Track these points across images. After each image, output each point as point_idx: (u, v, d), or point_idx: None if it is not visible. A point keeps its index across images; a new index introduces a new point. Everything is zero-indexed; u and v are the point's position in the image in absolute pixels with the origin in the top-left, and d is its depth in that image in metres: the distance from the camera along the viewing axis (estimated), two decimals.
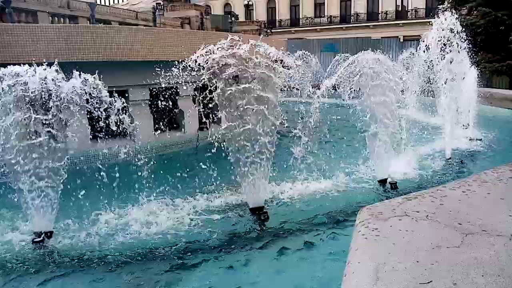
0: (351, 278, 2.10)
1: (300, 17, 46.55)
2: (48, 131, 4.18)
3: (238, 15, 35.22)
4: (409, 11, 41.38)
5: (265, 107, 4.50)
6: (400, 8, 42.06)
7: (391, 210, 2.85)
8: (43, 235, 4.28)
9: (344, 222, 4.75)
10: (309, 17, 46.10)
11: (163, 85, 7.11)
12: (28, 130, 4.13)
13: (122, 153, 4.80)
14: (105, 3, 45.17)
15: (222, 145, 4.89)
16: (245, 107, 4.46)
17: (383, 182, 5.86)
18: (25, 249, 4.22)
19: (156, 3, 21.30)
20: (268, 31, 26.28)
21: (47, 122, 4.15)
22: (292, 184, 5.68)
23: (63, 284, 3.70)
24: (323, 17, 45.47)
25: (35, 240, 4.25)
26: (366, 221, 2.69)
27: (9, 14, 9.73)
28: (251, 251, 4.19)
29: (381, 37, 32.99)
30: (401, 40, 31.77)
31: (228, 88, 4.40)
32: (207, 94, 5.92)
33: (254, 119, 4.53)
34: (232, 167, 5.05)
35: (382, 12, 42.43)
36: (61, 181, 4.35)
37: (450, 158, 7.43)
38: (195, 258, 4.06)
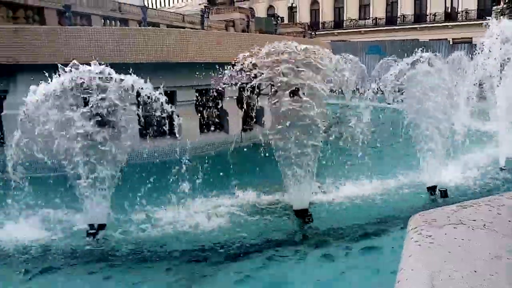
0: (405, 285, 2.05)
1: (344, 19, 45.90)
2: (108, 127, 4.41)
3: (283, 17, 35.24)
4: (459, 13, 39.75)
5: (314, 110, 4.50)
6: (449, 10, 40.49)
7: (445, 218, 2.75)
8: (96, 227, 4.50)
9: (391, 228, 4.65)
10: (353, 19, 45.35)
11: (209, 87, 7.27)
12: (88, 125, 4.38)
13: (168, 151, 4.96)
14: (152, 6, 46.70)
15: (267, 146, 4.93)
16: (295, 108, 4.48)
17: (432, 189, 5.67)
18: (79, 240, 4.45)
19: (205, 6, 21.77)
20: (312, 33, 26.12)
21: (107, 118, 4.38)
22: (337, 187, 5.62)
23: (113, 275, 3.86)
24: (368, 19, 44.60)
25: (89, 231, 4.47)
26: (419, 228, 2.61)
27: (68, 18, 10.31)
28: (292, 253, 4.19)
29: (429, 40, 31.90)
30: (451, 43, 30.55)
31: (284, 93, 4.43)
32: (252, 96, 6.01)
33: (302, 121, 4.53)
34: (276, 168, 5.07)
35: (430, 14, 41.04)
36: (116, 176, 4.56)
37: (504, 167, 7.05)
38: (236, 256, 4.12)
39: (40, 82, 4.41)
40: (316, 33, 38.19)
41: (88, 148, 4.49)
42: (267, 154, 5.32)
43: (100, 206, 4.56)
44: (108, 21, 16.83)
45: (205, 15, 20.05)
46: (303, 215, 4.79)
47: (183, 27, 20.38)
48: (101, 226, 4.55)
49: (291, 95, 4.53)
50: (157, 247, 4.31)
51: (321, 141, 4.82)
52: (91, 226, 4.52)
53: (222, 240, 4.40)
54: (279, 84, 4.52)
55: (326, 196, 5.40)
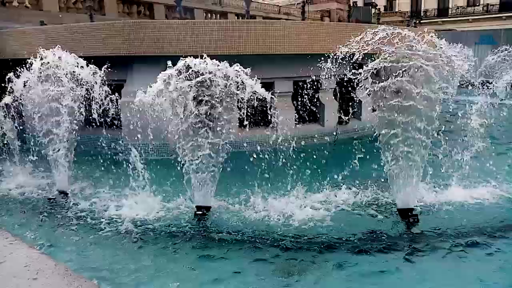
0: None
1: (450, 6, 42.35)
2: (214, 116, 4.66)
3: (385, 6, 33.57)
4: None
5: (424, 104, 4.26)
6: None
7: None
8: (203, 210, 4.80)
9: (507, 235, 4.24)
10: (461, 6, 41.63)
11: (306, 78, 7.25)
12: (196, 114, 4.67)
13: (265, 141, 5.09)
14: None
15: (365, 140, 4.77)
16: (404, 103, 4.27)
17: None
18: (188, 220, 4.78)
19: None
20: (416, 22, 24.39)
21: (213, 108, 4.63)
22: (447, 188, 5.23)
23: (214, 256, 4.07)
24: (478, 5, 40.64)
25: (196, 213, 4.80)
26: None
27: (178, 12, 11.00)
28: (395, 254, 4.02)
29: None
30: None
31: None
32: (350, 88, 5.85)
33: (411, 116, 4.31)
34: (376, 163, 4.90)
35: None
36: (220, 162, 4.82)
37: None
38: (336, 253, 4.07)
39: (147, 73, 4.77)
40: (420, 22, 35.87)
41: (196, 136, 4.78)
42: (365, 148, 5.17)
43: (206, 190, 4.85)
44: (209, 14, 17.71)
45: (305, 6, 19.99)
46: (408, 215, 4.57)
47: (279, 19, 20.58)
48: (207, 208, 4.84)
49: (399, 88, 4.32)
50: (258, 232, 4.45)
51: (431, 138, 4.53)
52: (198, 208, 4.83)
53: (321, 234, 4.39)
54: (389, 74, 4.32)
55: (433, 197, 5.07)
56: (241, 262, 3.91)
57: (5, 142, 6.55)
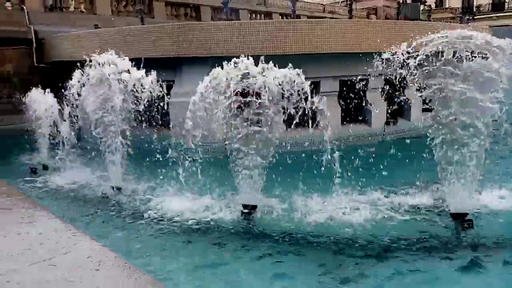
0: None
1: (506, 0, 39.96)
2: (262, 118, 4.70)
3: (435, 2, 32.15)
4: None
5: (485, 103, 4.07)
6: None
7: None
8: (249, 208, 4.86)
9: None
10: None
11: (354, 78, 7.12)
12: (244, 115, 4.73)
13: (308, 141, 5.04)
14: None
15: (414, 140, 4.60)
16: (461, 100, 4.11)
17: None
18: (234, 218, 4.85)
19: None
20: (470, 18, 23.05)
21: (260, 109, 4.67)
22: (506, 193, 4.97)
23: (258, 253, 4.10)
24: None
25: (243, 211, 4.86)
26: None
27: (225, 13, 11.17)
28: (446, 260, 3.88)
29: None
30: None
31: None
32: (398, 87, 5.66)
33: (469, 115, 4.13)
34: (428, 164, 4.73)
35: None
36: (268, 162, 4.85)
37: None
38: (385, 256, 3.98)
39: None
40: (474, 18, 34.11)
41: (243, 136, 4.84)
42: (415, 150, 4.99)
43: (253, 189, 4.90)
44: (254, 14, 17.86)
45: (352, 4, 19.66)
46: (461, 219, 4.38)
47: (324, 17, 20.36)
48: (253, 207, 4.89)
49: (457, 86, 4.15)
50: (302, 234, 4.45)
51: (490, 139, 4.32)
52: (245, 206, 4.89)
53: (368, 237, 4.30)
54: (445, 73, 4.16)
55: (490, 202, 4.81)
56: (292, 262, 3.92)
57: (57, 139, 6.97)
